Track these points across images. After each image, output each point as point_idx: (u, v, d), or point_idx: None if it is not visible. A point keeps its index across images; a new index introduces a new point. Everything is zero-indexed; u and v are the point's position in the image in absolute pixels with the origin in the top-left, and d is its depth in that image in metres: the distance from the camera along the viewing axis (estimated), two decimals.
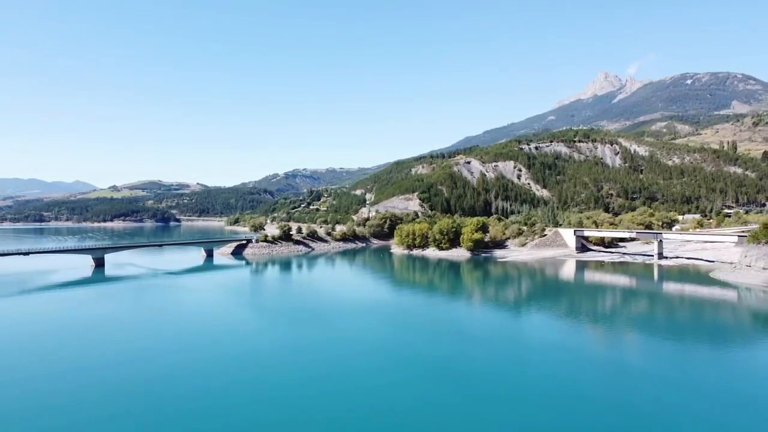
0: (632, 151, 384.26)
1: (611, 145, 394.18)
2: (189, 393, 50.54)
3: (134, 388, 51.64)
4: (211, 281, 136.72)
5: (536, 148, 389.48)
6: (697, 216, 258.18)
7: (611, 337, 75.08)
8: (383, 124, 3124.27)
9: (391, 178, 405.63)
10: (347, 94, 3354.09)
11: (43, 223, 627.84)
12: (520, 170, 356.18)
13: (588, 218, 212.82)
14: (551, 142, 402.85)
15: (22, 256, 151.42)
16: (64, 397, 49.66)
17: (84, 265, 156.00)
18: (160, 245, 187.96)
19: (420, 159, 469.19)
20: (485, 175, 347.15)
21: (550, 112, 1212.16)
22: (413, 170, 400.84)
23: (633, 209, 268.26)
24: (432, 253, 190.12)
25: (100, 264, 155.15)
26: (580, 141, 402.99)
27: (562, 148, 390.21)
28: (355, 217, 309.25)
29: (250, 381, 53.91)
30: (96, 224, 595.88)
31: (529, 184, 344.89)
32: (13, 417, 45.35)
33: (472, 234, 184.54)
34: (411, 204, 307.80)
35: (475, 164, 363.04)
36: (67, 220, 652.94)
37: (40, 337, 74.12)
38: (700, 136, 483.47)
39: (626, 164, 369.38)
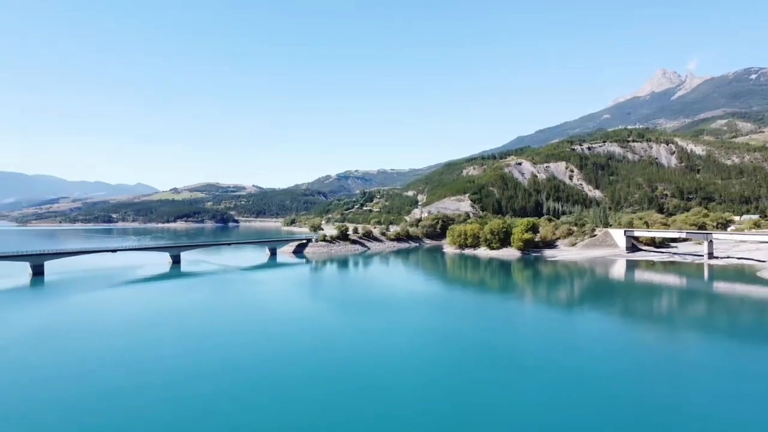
0: (689, 151, 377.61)
1: (667, 145, 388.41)
2: (276, 365, 60.00)
3: (225, 366, 58.96)
4: (277, 277, 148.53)
5: (589, 148, 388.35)
6: (755, 216, 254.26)
7: (663, 335, 76.14)
8: (434, 125, 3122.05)
9: (443, 180, 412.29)
10: (397, 95, 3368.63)
11: (111, 224, 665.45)
12: (572, 171, 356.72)
13: (639, 219, 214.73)
14: (604, 142, 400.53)
15: (110, 253, 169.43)
16: (177, 374, 57.06)
17: (162, 261, 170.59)
18: (229, 244, 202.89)
19: (471, 160, 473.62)
20: (536, 176, 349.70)
21: (605, 110, 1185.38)
22: (464, 172, 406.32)
23: (688, 210, 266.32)
24: (483, 252, 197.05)
25: (176, 261, 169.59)
26: (634, 141, 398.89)
27: (615, 148, 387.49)
28: (407, 218, 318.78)
29: (320, 360, 62.02)
30: (160, 225, 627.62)
31: (581, 184, 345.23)
32: (137, 389, 52.13)
33: (523, 234, 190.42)
34: (462, 205, 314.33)
35: (526, 165, 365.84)
36: (134, 221, 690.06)
37: (140, 323, 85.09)
38: (763, 134, 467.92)
39: (682, 164, 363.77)
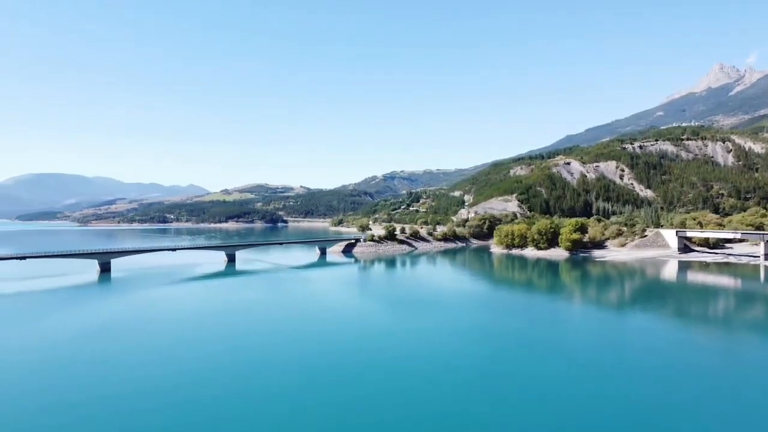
0: (747, 149, 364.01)
1: (723, 143, 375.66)
2: (328, 362, 63.92)
3: (285, 361, 62.09)
4: (328, 275, 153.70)
5: (640, 147, 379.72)
6: None
7: (719, 336, 75.90)
8: (481, 125, 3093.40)
9: (489, 180, 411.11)
10: (444, 95, 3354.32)
11: (166, 224, 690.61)
12: (622, 170, 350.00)
13: (693, 219, 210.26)
14: (656, 140, 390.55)
15: (170, 251, 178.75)
16: (249, 366, 61.94)
17: (218, 260, 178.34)
18: (281, 243, 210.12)
19: (518, 160, 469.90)
20: (585, 176, 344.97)
21: (658, 107, 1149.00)
22: (511, 172, 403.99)
23: (745, 210, 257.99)
24: (530, 252, 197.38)
25: (231, 259, 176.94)
26: (688, 139, 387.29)
27: (668, 147, 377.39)
28: (454, 218, 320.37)
29: (370, 357, 66.18)
30: (212, 225, 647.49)
31: (632, 184, 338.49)
32: (208, 377, 57.23)
33: (571, 234, 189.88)
34: (509, 205, 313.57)
35: (575, 165, 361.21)
36: (187, 221, 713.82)
37: (202, 318, 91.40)
38: None
39: (740, 162, 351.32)
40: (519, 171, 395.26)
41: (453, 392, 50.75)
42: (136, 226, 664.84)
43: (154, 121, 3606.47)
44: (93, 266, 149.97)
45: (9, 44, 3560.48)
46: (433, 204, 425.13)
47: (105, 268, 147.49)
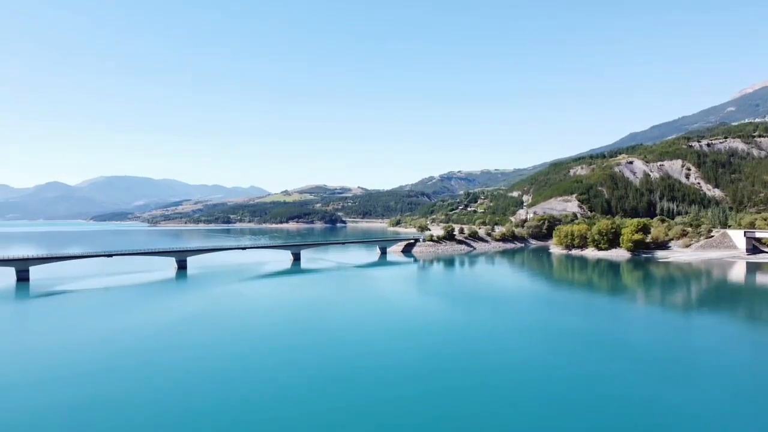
0: None
1: None
2: (393, 357, 66.79)
3: (356, 355, 65.86)
4: (389, 274, 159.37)
5: (708, 145, 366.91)
6: None
7: None
8: (540, 123, 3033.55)
9: (549, 180, 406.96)
10: (503, 94, 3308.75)
11: (229, 225, 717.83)
12: (688, 169, 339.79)
13: (764, 219, 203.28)
14: (725, 138, 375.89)
15: (241, 250, 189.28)
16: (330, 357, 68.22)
17: (284, 259, 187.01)
18: (343, 243, 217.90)
19: (578, 160, 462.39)
20: (649, 175, 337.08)
21: (730, 102, 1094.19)
22: (571, 171, 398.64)
23: None
24: (590, 253, 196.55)
25: (297, 258, 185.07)
26: (760, 136, 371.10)
27: (738, 144, 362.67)
28: (513, 219, 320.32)
29: (433, 353, 70.93)
30: (274, 225, 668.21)
31: (698, 183, 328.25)
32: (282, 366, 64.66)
33: (632, 235, 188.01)
34: (569, 205, 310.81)
35: (638, 164, 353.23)
36: (249, 221, 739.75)
37: (273, 312, 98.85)
38: None
39: None
40: (579, 171, 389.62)
41: (514, 390, 51.74)
42: (201, 226, 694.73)
43: (216, 122, 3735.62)
44: (170, 264, 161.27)
45: (86, 49, 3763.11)
46: (491, 204, 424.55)
47: (182, 266, 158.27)
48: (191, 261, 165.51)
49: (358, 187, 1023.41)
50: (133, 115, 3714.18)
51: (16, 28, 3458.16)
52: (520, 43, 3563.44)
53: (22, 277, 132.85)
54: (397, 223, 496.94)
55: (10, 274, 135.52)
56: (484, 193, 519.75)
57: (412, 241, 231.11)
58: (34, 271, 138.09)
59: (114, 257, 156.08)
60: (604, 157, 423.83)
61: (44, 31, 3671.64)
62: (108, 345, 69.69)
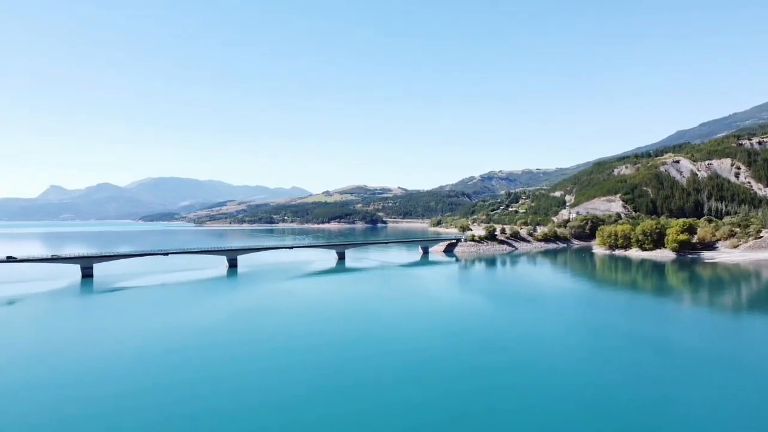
0: None
1: None
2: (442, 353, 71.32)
3: (405, 349, 70.35)
4: (431, 273, 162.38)
5: (759, 143, 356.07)
6: None
7: None
8: (583, 122, 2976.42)
9: (592, 180, 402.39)
10: (543, 92, 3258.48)
11: (272, 225, 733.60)
12: (738, 168, 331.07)
13: None
14: None
15: (287, 249, 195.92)
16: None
17: (329, 258, 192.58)
18: (386, 243, 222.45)
19: (623, 159, 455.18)
20: (696, 175, 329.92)
21: None
22: (615, 171, 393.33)
23: None
24: (634, 253, 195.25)
25: (341, 257, 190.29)
26: None
27: None
28: (555, 219, 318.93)
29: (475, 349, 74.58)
30: (316, 225, 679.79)
31: (749, 183, 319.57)
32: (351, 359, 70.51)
33: (677, 235, 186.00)
34: (613, 205, 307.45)
35: (685, 163, 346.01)
36: (292, 222, 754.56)
37: (322, 309, 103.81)
38: None
39: None
40: (624, 170, 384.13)
41: (556, 390, 51.90)
42: (245, 226, 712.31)
43: (259, 123, 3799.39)
44: (222, 262, 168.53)
45: (151, 53, 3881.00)
46: (532, 204, 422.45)
47: (232, 264, 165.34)
48: (241, 259, 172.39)
49: (398, 188, 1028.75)
50: (180, 118, 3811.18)
51: (90, 35, 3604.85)
52: (564, 42, 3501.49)
53: (87, 274, 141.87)
54: (438, 224, 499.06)
55: (75, 270, 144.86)
56: (525, 193, 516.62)
57: (453, 241, 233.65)
58: (98, 268, 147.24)
59: (170, 255, 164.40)
60: (649, 156, 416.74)
61: (117, 35, 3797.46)
62: (167, 340, 73.96)
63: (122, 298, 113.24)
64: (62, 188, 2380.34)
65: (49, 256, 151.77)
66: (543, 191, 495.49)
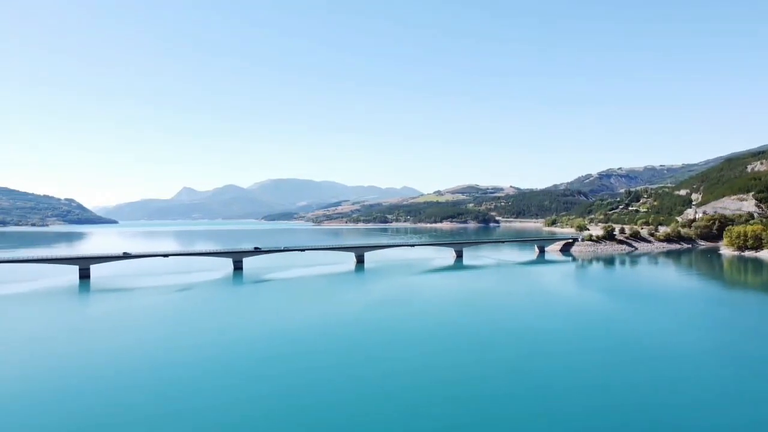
0: None
1: None
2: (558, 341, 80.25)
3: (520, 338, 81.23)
4: (550, 271, 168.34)
5: None
6: None
7: None
8: (712, 113, 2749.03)
9: (722, 177, 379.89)
10: (668, 86, 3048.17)
11: (386, 224, 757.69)
12: None
13: None
14: None
15: (409, 247, 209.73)
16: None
17: (446, 256, 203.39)
18: (502, 242, 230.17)
19: (758, 154, 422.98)
20: None
21: None
22: (749, 167, 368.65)
23: None
24: (767, 255, 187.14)
25: (459, 255, 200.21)
26: None
27: None
28: (679, 218, 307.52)
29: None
30: (428, 225, 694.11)
31: None
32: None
33: None
34: (745, 204, 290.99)
35: None
36: (405, 221, 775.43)
37: (455, 305, 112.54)
38: None
39: None
40: (759, 166, 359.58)
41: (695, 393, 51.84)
42: (360, 225, 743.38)
43: (370, 123, 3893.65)
44: (350, 258, 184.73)
45: (265, 59, 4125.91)
46: (654, 204, 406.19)
47: (360, 260, 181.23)
48: (367, 256, 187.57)
49: (511, 187, 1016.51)
50: (292, 123, 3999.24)
51: (217, 42, 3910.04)
52: (678, 40, 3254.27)
53: (238, 267, 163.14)
54: (553, 223, 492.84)
55: (228, 264, 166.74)
56: (647, 191, 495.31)
57: (570, 240, 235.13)
58: (246, 262, 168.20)
59: (306, 251, 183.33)
60: None
61: (234, 44, 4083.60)
62: (313, 327, 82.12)
63: (268, 288, 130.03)
64: (193, 189, 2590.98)
65: (204, 251, 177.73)
66: (667, 189, 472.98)
